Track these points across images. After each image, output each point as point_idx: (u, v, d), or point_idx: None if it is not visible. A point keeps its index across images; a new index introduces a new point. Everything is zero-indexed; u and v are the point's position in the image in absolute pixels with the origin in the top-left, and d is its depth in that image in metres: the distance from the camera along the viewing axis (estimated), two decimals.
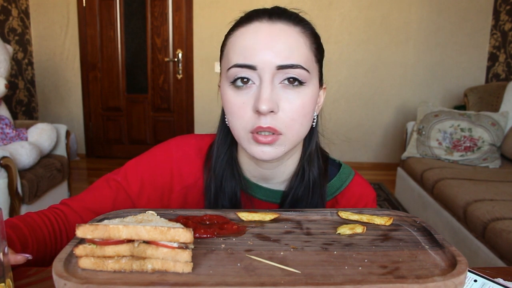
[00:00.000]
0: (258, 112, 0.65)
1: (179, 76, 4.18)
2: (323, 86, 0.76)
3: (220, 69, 0.72)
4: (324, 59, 0.75)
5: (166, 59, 4.16)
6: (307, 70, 0.66)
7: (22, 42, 3.97)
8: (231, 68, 0.66)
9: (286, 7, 0.71)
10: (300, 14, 0.71)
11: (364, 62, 4.04)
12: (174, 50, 4.13)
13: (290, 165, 0.78)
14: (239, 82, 0.66)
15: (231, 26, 0.71)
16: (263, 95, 0.64)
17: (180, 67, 4.15)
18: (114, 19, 4.13)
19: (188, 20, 4.05)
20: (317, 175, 0.78)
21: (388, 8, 3.94)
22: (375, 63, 4.04)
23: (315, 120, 0.75)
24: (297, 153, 0.78)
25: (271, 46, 0.64)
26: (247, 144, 0.68)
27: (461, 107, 3.48)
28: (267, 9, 0.69)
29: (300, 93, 0.66)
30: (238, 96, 0.67)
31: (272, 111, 0.65)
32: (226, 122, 0.73)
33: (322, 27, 3.92)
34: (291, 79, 0.66)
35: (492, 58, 3.89)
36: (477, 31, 3.94)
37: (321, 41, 0.73)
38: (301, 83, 0.66)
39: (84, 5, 4.09)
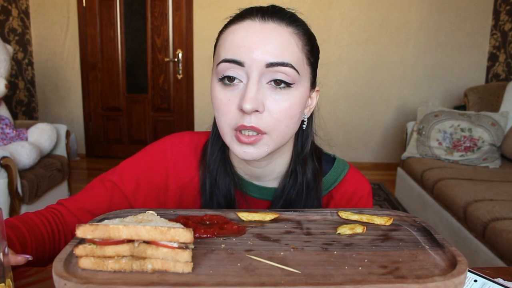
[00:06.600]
0: (242, 111, 0.64)
1: (179, 76, 4.18)
2: (316, 89, 0.75)
3: (212, 64, 0.72)
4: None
5: (166, 59, 4.16)
6: (297, 71, 0.65)
7: (22, 42, 3.97)
8: (220, 63, 0.66)
9: (282, 6, 0.70)
10: (296, 13, 0.70)
11: (364, 62, 4.04)
12: (174, 50, 4.13)
13: (280, 164, 0.77)
14: (226, 81, 0.66)
15: (225, 23, 0.70)
16: (248, 93, 0.63)
17: (180, 67, 4.15)
18: (114, 19, 4.12)
19: (188, 20, 4.05)
20: (311, 177, 0.77)
21: (388, 8, 3.94)
22: (375, 63, 4.04)
23: (305, 123, 0.75)
24: (287, 153, 0.77)
25: (262, 44, 0.63)
26: (230, 142, 0.68)
27: (461, 107, 3.47)
28: (262, 7, 0.68)
29: (288, 94, 0.65)
30: (225, 92, 0.66)
31: (257, 111, 0.64)
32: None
33: (322, 27, 3.93)
34: (278, 81, 0.64)
35: (492, 58, 3.89)
36: (477, 31, 3.94)
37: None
38: (288, 85, 0.65)
39: (84, 5, 4.09)
